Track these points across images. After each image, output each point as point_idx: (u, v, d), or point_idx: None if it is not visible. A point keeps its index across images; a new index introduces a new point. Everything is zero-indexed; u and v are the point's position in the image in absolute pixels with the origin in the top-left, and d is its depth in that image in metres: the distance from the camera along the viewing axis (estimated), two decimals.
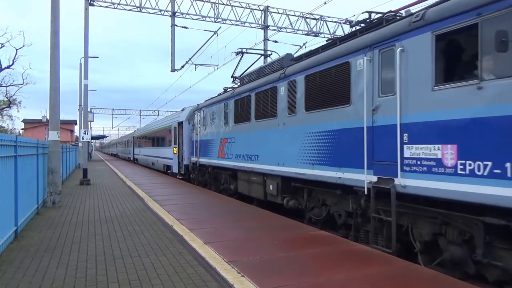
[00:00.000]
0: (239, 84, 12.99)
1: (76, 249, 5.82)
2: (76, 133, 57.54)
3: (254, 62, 14.00)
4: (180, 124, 18.48)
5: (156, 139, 25.85)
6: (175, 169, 19.25)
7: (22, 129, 62.79)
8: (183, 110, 19.45)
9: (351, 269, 4.79)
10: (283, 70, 9.00)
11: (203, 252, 5.57)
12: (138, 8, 18.37)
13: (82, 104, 19.16)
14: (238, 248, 5.85)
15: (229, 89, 13.85)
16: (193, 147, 16.72)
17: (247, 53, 13.84)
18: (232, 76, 14.18)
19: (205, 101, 15.83)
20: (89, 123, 20.90)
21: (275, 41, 20.94)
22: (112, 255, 5.52)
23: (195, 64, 20.38)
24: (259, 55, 14.50)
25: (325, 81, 7.29)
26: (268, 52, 15.55)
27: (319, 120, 7.40)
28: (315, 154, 7.44)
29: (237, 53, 13.85)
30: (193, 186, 15.57)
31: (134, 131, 46.45)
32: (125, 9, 18.33)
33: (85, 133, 17.48)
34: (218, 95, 14.57)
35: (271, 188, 9.48)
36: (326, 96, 7.22)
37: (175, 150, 19.02)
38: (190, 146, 17.32)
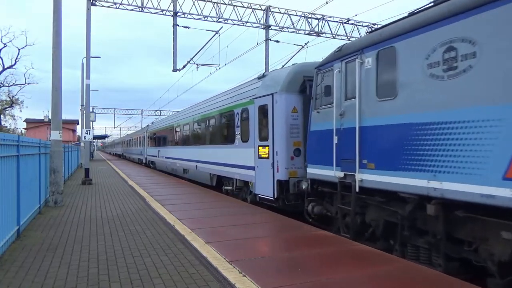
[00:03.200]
0: None
1: (78, 249, 5.84)
2: (78, 132, 57.63)
3: None
4: (271, 100, 9.56)
5: (195, 132, 16.89)
6: (262, 189, 9.90)
7: (24, 128, 62.97)
8: (263, 76, 10.77)
9: (353, 269, 4.80)
10: None
11: (204, 251, 5.58)
12: (140, 8, 18.37)
13: (84, 104, 19.18)
14: (239, 247, 5.86)
15: None
16: (317, 147, 8.04)
17: None
18: None
19: (372, 32, 7.37)
20: (91, 122, 20.95)
21: (277, 41, 20.97)
22: (114, 254, 5.54)
23: (197, 64, 20.41)
24: None
25: None
26: None
27: None
28: None
29: None
30: (195, 186, 15.44)
31: (148, 124, 33.86)
32: (127, 9, 18.35)
33: (87, 133, 17.52)
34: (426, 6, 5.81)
35: None
36: None
37: (264, 151, 9.86)
38: (304, 144, 9.02)
